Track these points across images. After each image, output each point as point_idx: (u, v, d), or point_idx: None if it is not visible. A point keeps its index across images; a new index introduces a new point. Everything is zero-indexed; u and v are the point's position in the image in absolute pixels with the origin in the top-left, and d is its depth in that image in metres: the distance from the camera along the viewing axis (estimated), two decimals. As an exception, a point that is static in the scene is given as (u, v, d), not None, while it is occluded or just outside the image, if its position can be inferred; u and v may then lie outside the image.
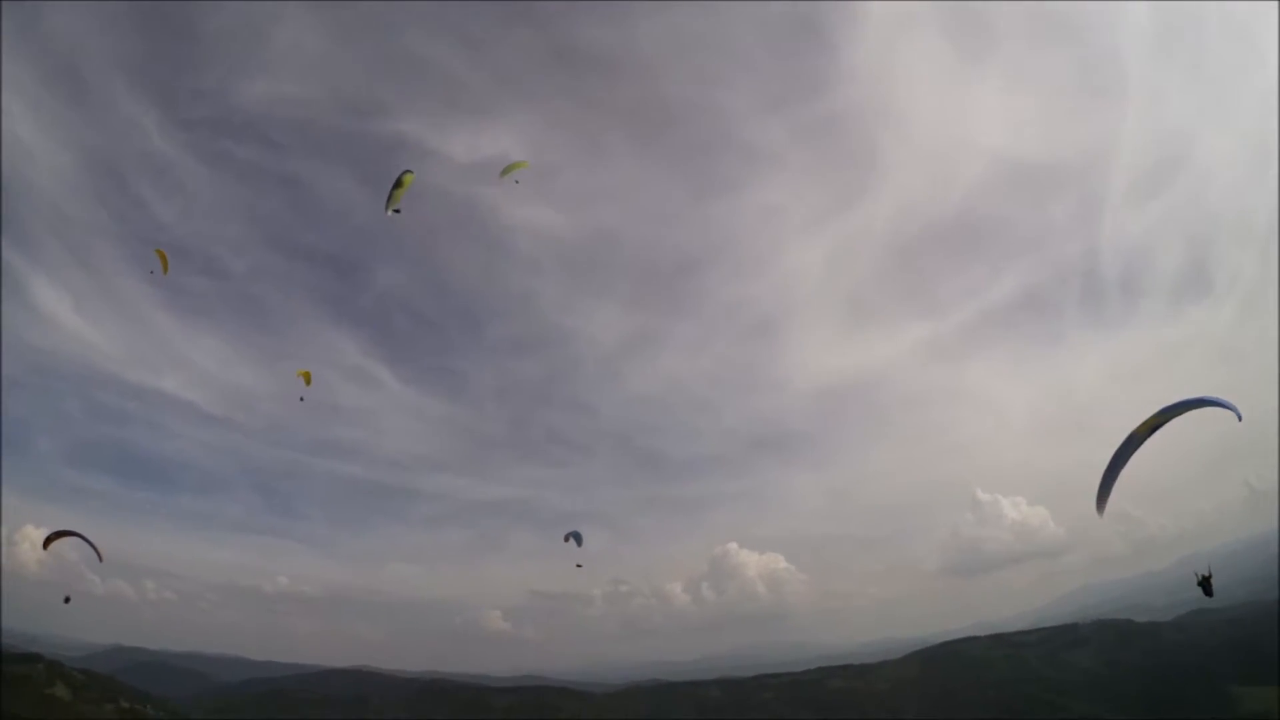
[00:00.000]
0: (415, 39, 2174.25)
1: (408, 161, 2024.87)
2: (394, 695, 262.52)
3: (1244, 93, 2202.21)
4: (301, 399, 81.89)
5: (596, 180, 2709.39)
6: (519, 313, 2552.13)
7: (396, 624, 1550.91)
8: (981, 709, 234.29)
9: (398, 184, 66.05)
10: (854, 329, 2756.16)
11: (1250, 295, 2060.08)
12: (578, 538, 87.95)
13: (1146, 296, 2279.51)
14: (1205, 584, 51.25)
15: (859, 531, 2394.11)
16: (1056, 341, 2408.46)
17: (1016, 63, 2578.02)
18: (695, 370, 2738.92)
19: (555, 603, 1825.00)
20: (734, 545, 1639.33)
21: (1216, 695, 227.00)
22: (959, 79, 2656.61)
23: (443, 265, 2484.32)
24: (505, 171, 76.27)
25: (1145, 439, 46.33)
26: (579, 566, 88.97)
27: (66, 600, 78.65)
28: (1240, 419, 44.58)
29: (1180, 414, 45.34)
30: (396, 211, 66.79)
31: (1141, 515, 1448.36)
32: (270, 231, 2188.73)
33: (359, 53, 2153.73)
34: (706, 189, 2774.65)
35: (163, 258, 76.03)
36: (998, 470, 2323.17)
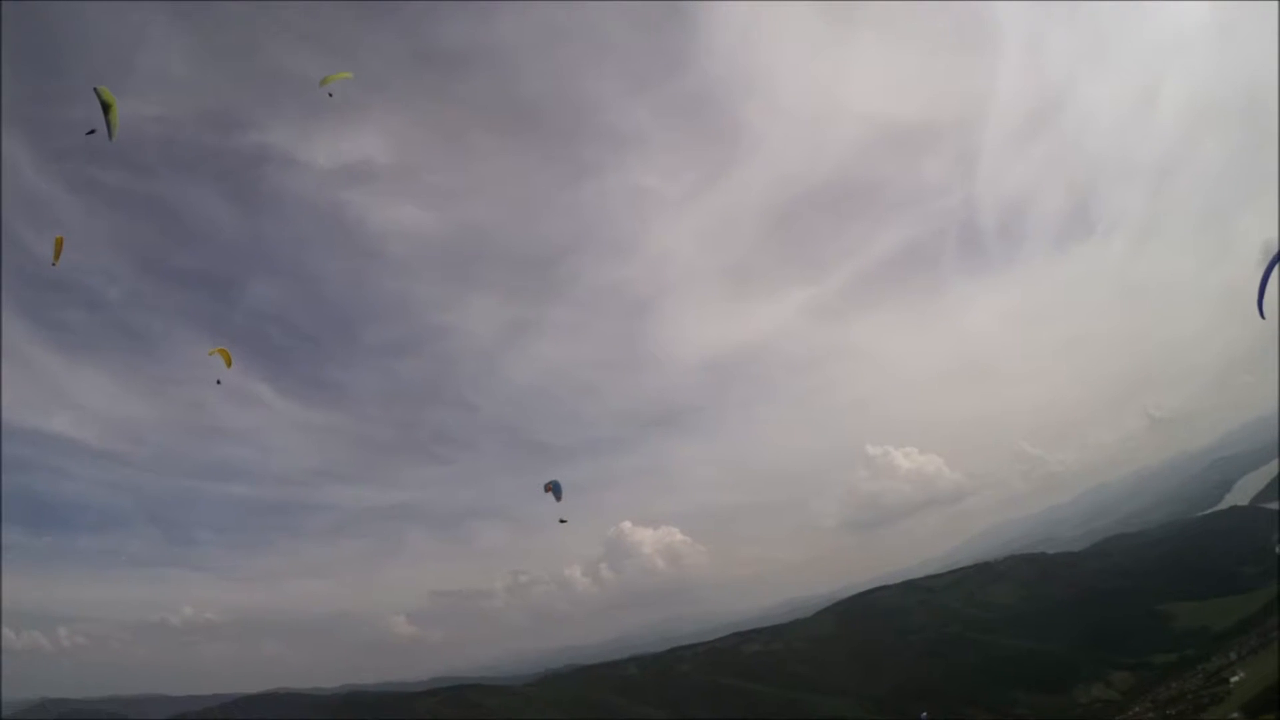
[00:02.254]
0: (276, 49, 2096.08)
1: (273, 172, 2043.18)
2: (315, 714, 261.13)
3: (1123, 35, 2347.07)
4: (219, 382, 77.03)
5: (463, 176, 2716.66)
6: (394, 315, 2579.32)
7: (305, 641, 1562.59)
8: (906, 654, 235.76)
9: (106, 108, 57.67)
10: (735, 299, 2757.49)
11: (1140, 232, 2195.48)
12: (557, 489, 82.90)
13: (1029, 241, 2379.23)
14: None
15: (756, 498, 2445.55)
16: (941, 292, 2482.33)
17: (887, 22, 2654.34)
18: (576, 355, 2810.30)
19: (457, 601, 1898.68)
20: (628, 524, 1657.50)
21: (1149, 615, 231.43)
22: (827, 43, 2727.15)
23: (313, 275, 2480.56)
24: (325, 81, 73.09)
25: None
26: (563, 521, 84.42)
27: None
28: None
29: None
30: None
31: (1041, 453, 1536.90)
32: (141, 256, 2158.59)
33: (222, 68, 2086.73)
34: (573, 176, 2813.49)
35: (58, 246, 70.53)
36: (890, 424, 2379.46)
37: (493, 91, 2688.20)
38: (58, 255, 70.05)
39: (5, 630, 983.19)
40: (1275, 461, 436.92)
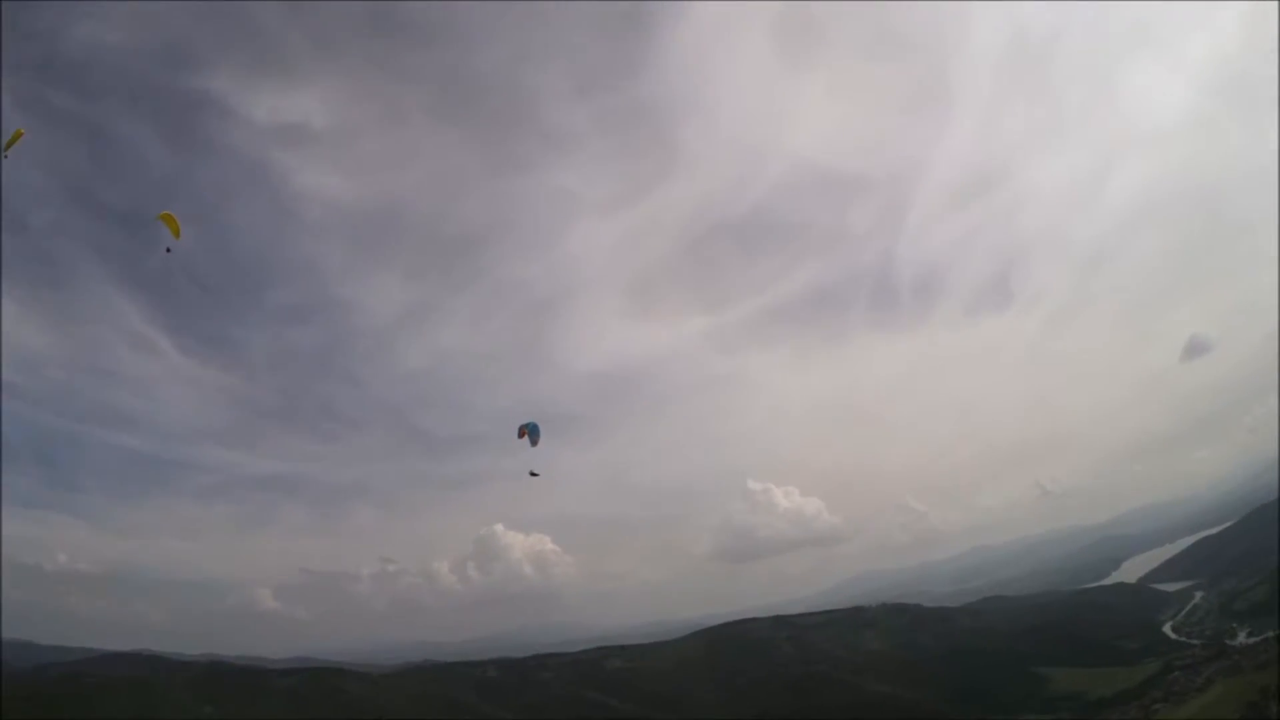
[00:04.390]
0: None
1: (211, 119, 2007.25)
2: (176, 680, 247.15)
3: (1084, 123, 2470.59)
4: (169, 250, 74.40)
5: (393, 148, 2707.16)
6: (300, 281, 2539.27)
7: (171, 603, 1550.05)
8: (772, 688, 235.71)
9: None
10: (638, 315, 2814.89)
11: (1059, 311, 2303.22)
12: (534, 432, 78.08)
13: (943, 303, 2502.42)
14: None
15: (631, 515, 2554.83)
16: (845, 340, 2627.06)
17: (844, 71, 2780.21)
18: (471, 347, 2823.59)
19: (324, 581, 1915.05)
20: (500, 527, 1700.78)
21: (1023, 675, 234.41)
22: (778, 79, 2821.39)
23: (230, 227, 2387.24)
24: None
25: None
26: (534, 475, 79.27)
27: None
28: None
29: None
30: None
31: (925, 509, 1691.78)
32: (71, 184, 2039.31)
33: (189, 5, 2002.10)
34: (501, 167, 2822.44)
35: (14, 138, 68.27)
36: (776, 460, 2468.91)
37: (441, 69, 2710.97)
38: (9, 146, 67.81)
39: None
40: (1167, 546, 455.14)
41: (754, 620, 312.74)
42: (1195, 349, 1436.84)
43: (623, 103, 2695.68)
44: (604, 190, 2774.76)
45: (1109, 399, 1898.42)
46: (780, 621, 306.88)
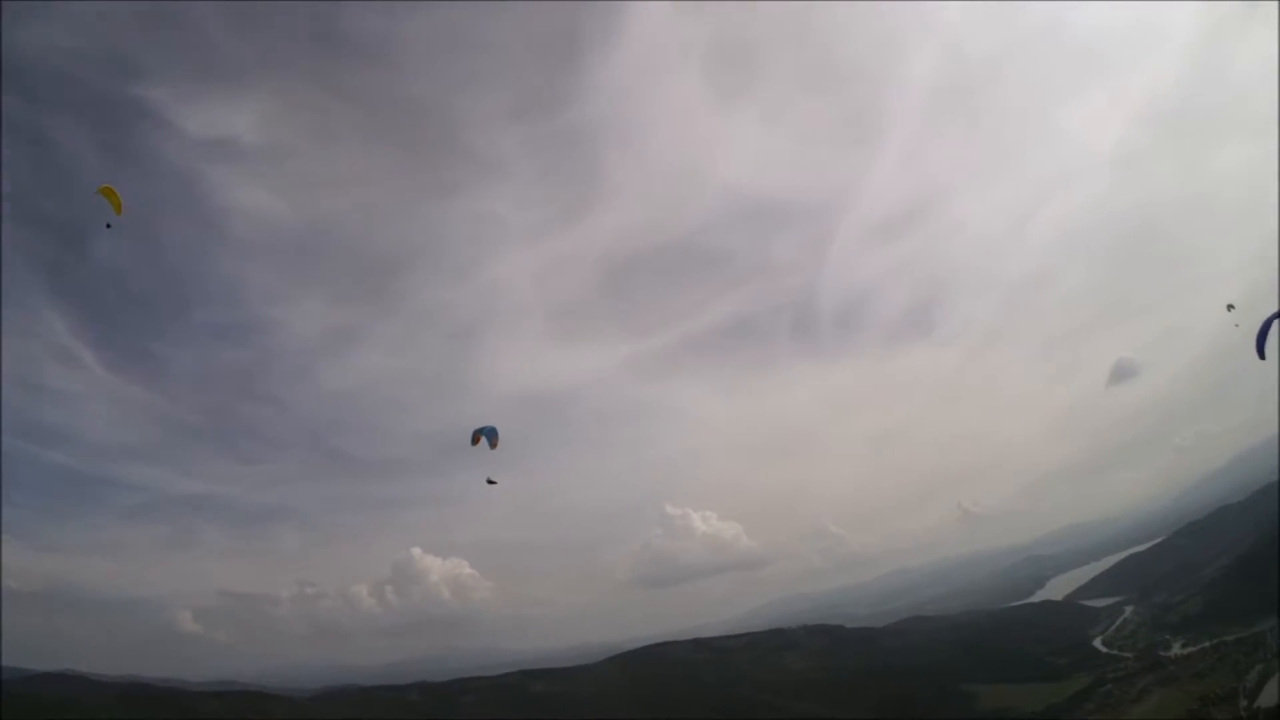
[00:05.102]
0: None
1: (146, 129, 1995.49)
2: (99, 701, 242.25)
3: (1014, 160, 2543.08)
4: (109, 225, 71.38)
5: (323, 170, 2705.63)
6: (224, 298, 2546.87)
7: (96, 623, 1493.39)
8: (694, 711, 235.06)
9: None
10: (559, 341, 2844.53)
11: (981, 341, 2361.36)
12: (489, 435, 77.14)
13: (865, 333, 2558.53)
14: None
15: (549, 540, 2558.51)
16: (766, 368, 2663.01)
17: (776, 102, 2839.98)
18: (393, 370, 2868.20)
19: (244, 604, 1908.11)
20: (418, 550, 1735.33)
21: (949, 693, 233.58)
22: (709, 111, 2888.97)
23: (157, 244, 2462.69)
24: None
25: None
26: (491, 483, 78.97)
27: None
28: None
29: None
30: None
31: (843, 533, 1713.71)
32: (9, 190, 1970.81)
33: (134, 12, 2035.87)
34: (429, 189, 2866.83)
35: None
36: (694, 487, 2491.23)
37: (377, 89, 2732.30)
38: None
39: None
40: (1093, 564, 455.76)
41: (675, 643, 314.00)
42: (1122, 373, 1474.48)
43: (553, 130, 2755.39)
44: (530, 216, 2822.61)
45: (1033, 424, 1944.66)
46: (701, 644, 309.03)
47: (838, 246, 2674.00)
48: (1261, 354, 62.11)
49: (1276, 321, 60.85)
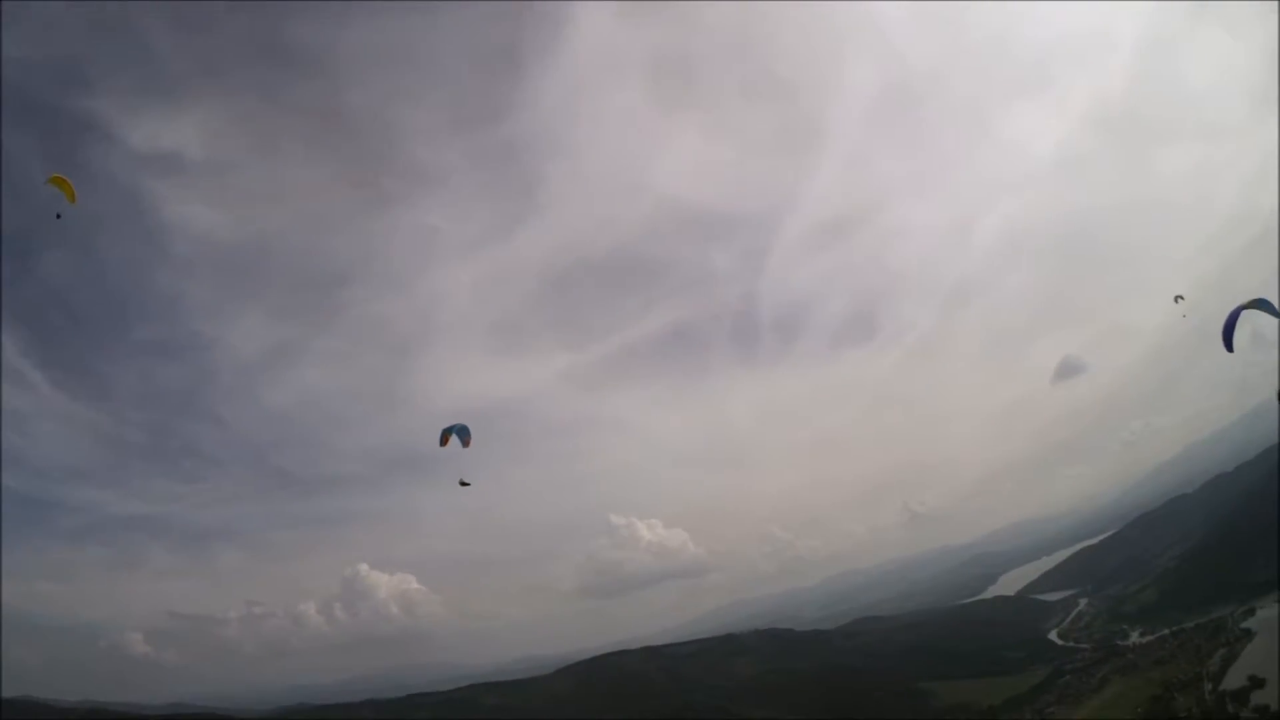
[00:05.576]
0: (141, 11, 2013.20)
1: (91, 142, 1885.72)
2: None
3: (954, 167, 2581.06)
4: (59, 216, 69.25)
5: (265, 182, 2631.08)
6: (165, 315, 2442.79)
7: (48, 648, 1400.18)
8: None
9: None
10: (499, 354, 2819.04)
11: (922, 345, 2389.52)
12: (462, 434, 72.29)
13: (805, 340, 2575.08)
14: None
15: (495, 554, 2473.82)
16: (707, 376, 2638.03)
17: (716, 112, 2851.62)
18: (335, 386, 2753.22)
19: (193, 625, 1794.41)
20: (365, 566, 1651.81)
21: (905, 692, 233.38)
22: (648, 120, 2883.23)
23: (100, 259, 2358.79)
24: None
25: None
26: (465, 484, 75.84)
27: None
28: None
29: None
30: None
31: (791, 538, 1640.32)
32: None
33: (84, 20, 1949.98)
34: (369, 202, 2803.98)
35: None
36: (638, 496, 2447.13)
37: (320, 99, 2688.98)
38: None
39: None
40: (1045, 559, 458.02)
41: (625, 653, 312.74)
42: (1067, 370, 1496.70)
43: (492, 141, 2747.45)
44: (469, 228, 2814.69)
45: (978, 424, 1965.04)
46: (651, 652, 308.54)
47: (778, 254, 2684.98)
48: (1230, 347, 61.37)
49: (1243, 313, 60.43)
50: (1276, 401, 73.53)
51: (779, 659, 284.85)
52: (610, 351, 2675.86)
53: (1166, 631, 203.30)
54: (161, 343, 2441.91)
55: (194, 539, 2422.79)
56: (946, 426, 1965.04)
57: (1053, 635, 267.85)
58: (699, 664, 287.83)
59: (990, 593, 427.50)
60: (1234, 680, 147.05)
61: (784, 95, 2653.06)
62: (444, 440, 72.54)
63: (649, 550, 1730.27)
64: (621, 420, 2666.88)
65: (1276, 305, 58.48)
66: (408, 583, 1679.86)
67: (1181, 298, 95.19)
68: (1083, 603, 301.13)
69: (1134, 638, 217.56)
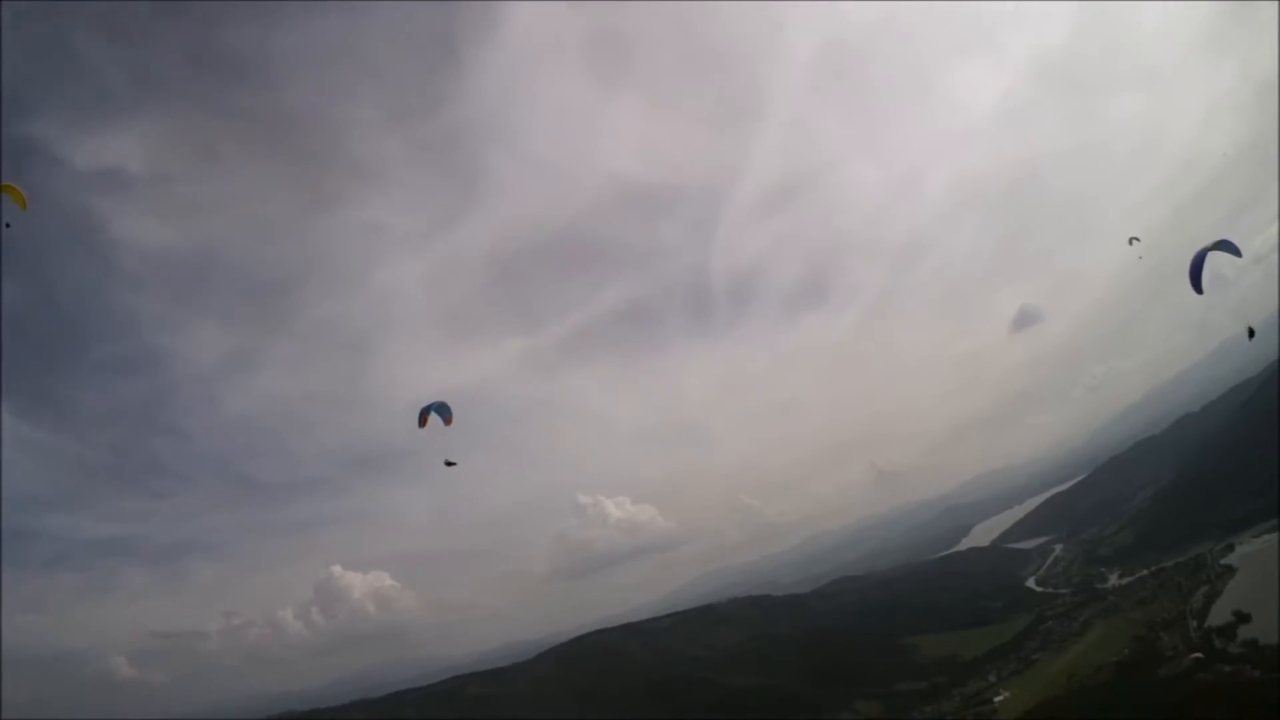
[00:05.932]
0: (74, 29, 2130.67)
1: (36, 165, 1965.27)
2: None
3: (897, 125, 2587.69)
4: (8, 225, 64.30)
5: (209, 191, 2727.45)
6: (121, 332, 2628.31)
7: (34, 681, 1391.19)
8: (633, 696, 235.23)
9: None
10: (454, 344, 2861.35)
11: (877, 304, 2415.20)
12: (443, 412, 65.98)
13: (757, 307, 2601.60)
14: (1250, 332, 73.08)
15: (466, 544, 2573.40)
16: (662, 351, 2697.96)
17: (656, 87, 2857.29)
18: (293, 391, 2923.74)
19: (175, 643, 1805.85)
20: (338, 568, 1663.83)
21: (888, 648, 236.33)
22: (588, 101, 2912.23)
23: (52, 282, 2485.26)
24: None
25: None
26: (450, 464, 68.77)
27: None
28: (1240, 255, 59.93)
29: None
30: None
31: (758, 504, 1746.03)
32: None
33: (21, 40, 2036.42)
34: (313, 203, 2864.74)
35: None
36: (604, 474, 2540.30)
37: (257, 103, 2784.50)
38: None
39: None
40: (1016, 508, 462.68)
41: (605, 631, 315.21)
42: (1025, 320, 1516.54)
43: (432, 132, 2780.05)
44: (415, 221, 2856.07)
45: (939, 378, 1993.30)
46: (631, 629, 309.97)
47: (727, 224, 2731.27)
48: (1199, 289, 61.56)
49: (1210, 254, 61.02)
50: (1248, 337, 74.87)
51: (759, 625, 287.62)
52: (565, 333, 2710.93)
53: (1146, 572, 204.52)
54: (119, 360, 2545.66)
55: (167, 555, 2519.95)
56: (908, 383, 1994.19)
57: (1031, 583, 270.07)
58: (680, 636, 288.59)
59: (964, 544, 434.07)
60: (1219, 616, 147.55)
61: (723, 65, 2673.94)
62: (423, 420, 68.18)
63: (618, 528, 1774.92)
64: (581, 400, 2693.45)
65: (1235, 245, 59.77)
66: (381, 580, 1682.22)
67: (1137, 239, 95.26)
68: (1058, 548, 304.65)
69: (1113, 580, 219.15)
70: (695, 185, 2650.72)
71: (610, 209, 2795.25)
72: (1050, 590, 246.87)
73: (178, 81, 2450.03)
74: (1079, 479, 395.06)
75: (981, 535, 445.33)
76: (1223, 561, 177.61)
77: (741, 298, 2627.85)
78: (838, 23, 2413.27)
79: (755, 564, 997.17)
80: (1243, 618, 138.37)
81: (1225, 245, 59.10)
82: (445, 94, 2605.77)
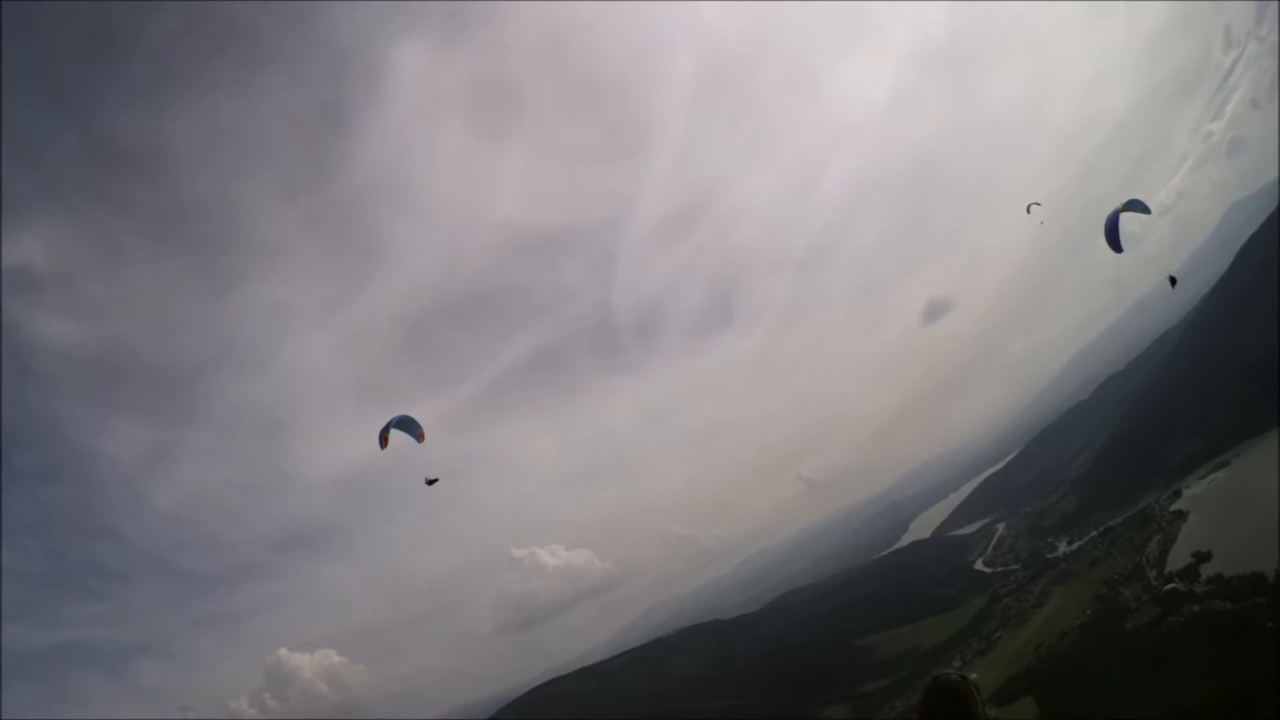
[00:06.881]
0: None
1: None
2: None
3: (785, 129, 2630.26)
4: None
5: (115, 288, 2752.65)
6: (43, 437, 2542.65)
7: None
8: None
9: None
10: (367, 413, 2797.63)
11: (786, 315, 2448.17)
12: (409, 426, 58.54)
13: (666, 336, 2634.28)
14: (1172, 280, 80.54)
15: (408, 612, 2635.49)
16: (577, 393, 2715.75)
17: (541, 134, 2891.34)
18: (214, 478, 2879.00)
19: None
20: (284, 651, 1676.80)
21: (847, 652, 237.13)
22: (475, 154, 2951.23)
23: None
24: None
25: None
26: (431, 482, 62.59)
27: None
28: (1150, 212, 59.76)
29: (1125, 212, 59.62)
30: None
31: (695, 533, 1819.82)
32: None
33: None
34: (216, 289, 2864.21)
35: None
36: (534, 525, 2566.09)
37: (154, 195, 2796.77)
38: None
39: None
40: (952, 495, 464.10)
41: (561, 678, 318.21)
42: (935, 311, 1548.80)
43: (326, 202, 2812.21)
44: (317, 294, 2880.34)
45: (857, 380, 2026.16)
46: (586, 672, 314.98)
47: (626, 258, 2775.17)
48: (1118, 247, 63.60)
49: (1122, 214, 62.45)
50: (1170, 285, 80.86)
51: (714, 650, 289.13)
52: (480, 388, 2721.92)
53: (1095, 533, 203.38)
54: (44, 467, 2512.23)
55: (116, 658, 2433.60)
56: (830, 387, 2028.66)
57: (979, 565, 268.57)
58: (636, 673, 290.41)
59: (905, 540, 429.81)
60: (1178, 560, 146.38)
61: (607, 98, 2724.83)
62: (384, 441, 60.64)
63: (557, 575, 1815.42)
64: (505, 453, 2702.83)
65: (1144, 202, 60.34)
66: (330, 658, 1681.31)
67: (1037, 204, 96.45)
68: (1000, 527, 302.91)
69: (1063, 548, 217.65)
70: (591, 223, 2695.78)
71: (509, 258, 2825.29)
72: (1001, 569, 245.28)
73: (76, 178, 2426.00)
74: (1012, 456, 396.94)
75: (922, 528, 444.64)
76: (1172, 509, 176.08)
77: (650, 328, 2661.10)
78: (714, 38, 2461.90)
79: (698, 591, 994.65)
80: (1202, 557, 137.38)
81: (1135, 204, 60.14)
82: (336, 164, 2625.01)
